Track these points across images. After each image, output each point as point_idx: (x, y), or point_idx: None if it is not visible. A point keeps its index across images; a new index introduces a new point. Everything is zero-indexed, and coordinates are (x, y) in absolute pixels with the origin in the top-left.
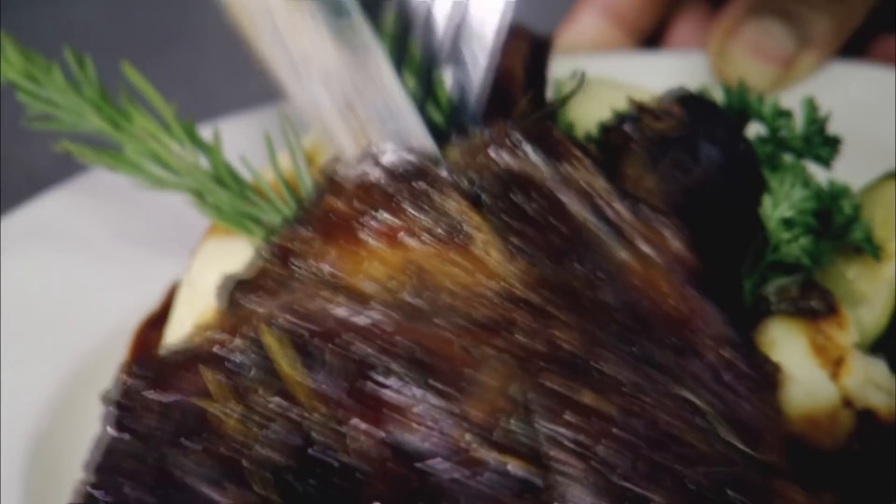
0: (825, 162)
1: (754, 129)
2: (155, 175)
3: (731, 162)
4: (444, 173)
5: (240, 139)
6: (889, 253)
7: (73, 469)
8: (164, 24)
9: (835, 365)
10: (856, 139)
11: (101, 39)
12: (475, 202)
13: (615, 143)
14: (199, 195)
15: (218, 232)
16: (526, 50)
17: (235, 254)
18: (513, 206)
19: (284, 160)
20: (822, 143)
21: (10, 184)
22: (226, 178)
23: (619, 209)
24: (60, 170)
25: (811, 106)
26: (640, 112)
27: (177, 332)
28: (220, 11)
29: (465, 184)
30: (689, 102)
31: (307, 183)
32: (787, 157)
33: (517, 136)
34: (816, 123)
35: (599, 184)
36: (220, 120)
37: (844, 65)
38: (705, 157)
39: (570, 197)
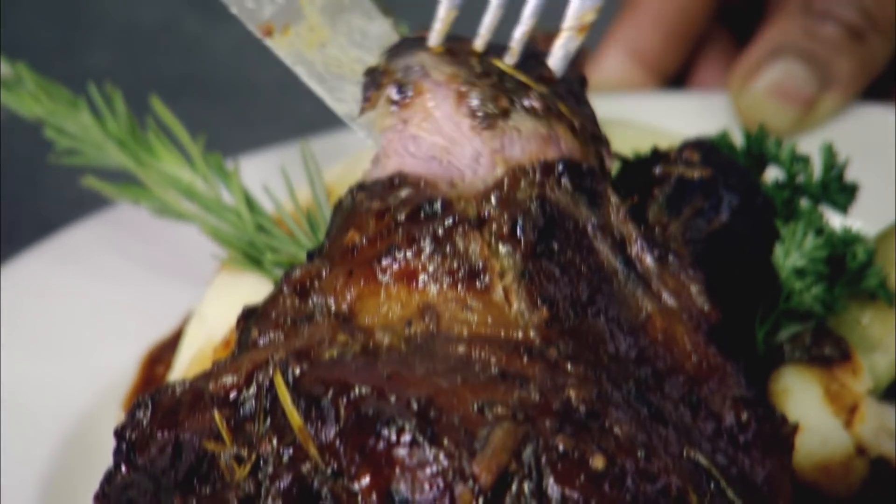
0: (842, 208)
1: (772, 174)
2: (176, 207)
3: (750, 211)
4: (471, 212)
5: (261, 174)
6: None
7: (87, 501)
8: (176, 72)
9: (848, 412)
10: (875, 183)
11: (115, 86)
12: (508, 238)
13: (637, 186)
14: (217, 228)
15: (232, 265)
16: None
17: (246, 287)
18: (547, 249)
19: (304, 194)
20: (839, 190)
21: (19, 226)
22: (245, 209)
23: (648, 260)
24: (72, 212)
25: (829, 152)
26: (661, 157)
27: (184, 362)
28: (227, 60)
29: (503, 219)
30: (708, 150)
31: (327, 216)
32: (804, 203)
33: (567, 172)
34: (834, 170)
35: (632, 232)
36: (242, 156)
37: (866, 107)
38: (726, 206)
39: (604, 244)
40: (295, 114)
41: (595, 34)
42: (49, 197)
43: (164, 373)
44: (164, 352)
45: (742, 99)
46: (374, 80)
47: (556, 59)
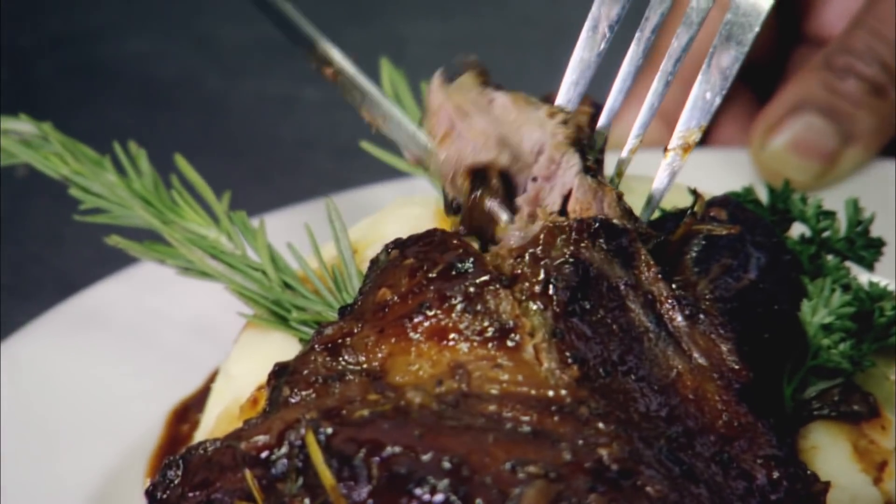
0: (868, 264)
1: (797, 230)
2: (201, 266)
3: (777, 269)
4: (504, 270)
5: (285, 231)
6: None
7: None
8: (195, 128)
9: (878, 469)
10: None
11: (136, 143)
12: (540, 296)
13: (665, 244)
14: (243, 286)
15: (257, 323)
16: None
17: (273, 346)
18: (579, 308)
19: (329, 251)
20: (865, 246)
21: (42, 285)
22: (271, 267)
23: (679, 319)
24: (95, 271)
25: (854, 207)
26: (688, 215)
27: (211, 421)
28: (246, 116)
29: (536, 278)
30: (735, 207)
31: (352, 273)
32: (830, 258)
33: (602, 231)
34: (860, 225)
35: (664, 291)
36: (266, 213)
37: (889, 162)
38: (754, 264)
39: (636, 303)
40: (314, 170)
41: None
42: (71, 255)
43: (189, 431)
44: (190, 410)
45: (764, 154)
46: None
47: (662, 179)
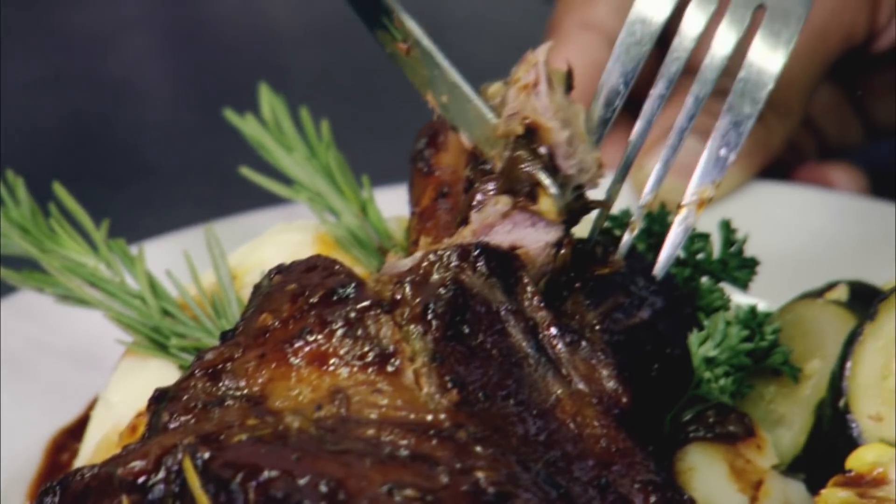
0: (742, 284)
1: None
2: (80, 294)
3: (674, 315)
4: (385, 295)
5: (164, 258)
6: (806, 374)
7: None
8: (73, 157)
9: (754, 488)
10: (774, 258)
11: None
12: (420, 321)
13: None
14: (122, 314)
15: (137, 350)
16: None
17: (152, 372)
18: (458, 333)
19: (209, 278)
20: (739, 266)
21: None
22: (150, 295)
23: (560, 345)
24: None
25: (728, 228)
26: (585, 253)
27: (90, 448)
28: (125, 144)
29: (415, 302)
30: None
31: (231, 299)
32: (705, 280)
33: (482, 257)
34: (734, 246)
35: (546, 318)
36: (145, 241)
37: (763, 184)
38: (649, 306)
39: (516, 328)
40: (194, 197)
41: None
42: None
43: (69, 460)
44: (69, 439)
45: (640, 175)
46: None
47: (677, 234)
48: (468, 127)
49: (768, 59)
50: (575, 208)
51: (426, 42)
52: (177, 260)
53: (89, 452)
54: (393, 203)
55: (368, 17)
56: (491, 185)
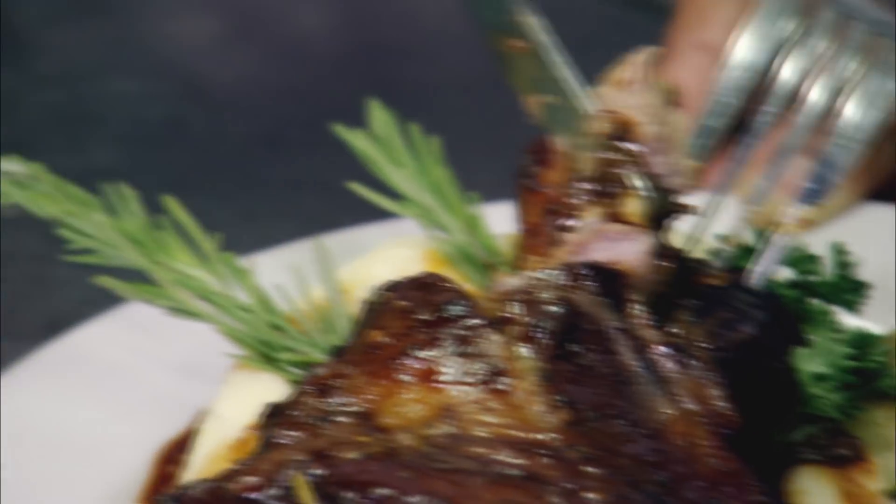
0: (852, 307)
1: (783, 274)
2: (190, 307)
3: (777, 326)
4: (494, 313)
5: (274, 272)
6: None
7: None
8: (182, 168)
9: None
10: (885, 283)
11: (124, 183)
12: (529, 339)
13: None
14: (232, 327)
15: (247, 364)
16: None
17: (263, 387)
18: (567, 351)
19: (319, 292)
20: (850, 289)
21: (27, 325)
22: (260, 308)
23: (669, 364)
24: (81, 312)
25: (839, 250)
26: (692, 264)
27: (199, 461)
28: (233, 156)
29: (525, 321)
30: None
31: (341, 314)
32: (815, 302)
33: (590, 275)
34: (845, 268)
35: (654, 336)
36: (256, 254)
37: (874, 207)
38: (754, 320)
39: (625, 347)
40: (301, 210)
41: None
42: (57, 296)
43: (177, 472)
44: (177, 451)
45: (743, 190)
46: None
47: (775, 248)
48: (571, 130)
49: (881, 86)
50: (663, 213)
51: (544, 37)
52: (284, 273)
53: (198, 465)
54: (500, 220)
55: (485, 12)
56: (583, 192)
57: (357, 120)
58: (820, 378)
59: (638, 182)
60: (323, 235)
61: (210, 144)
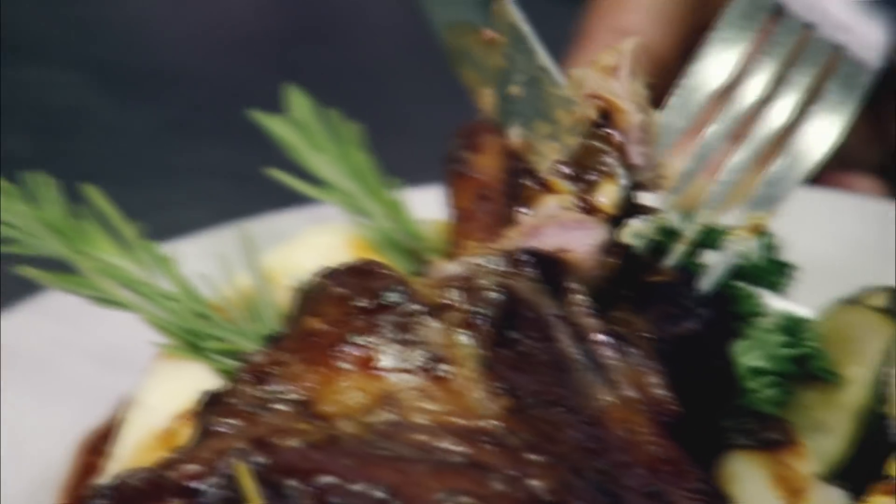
0: (779, 289)
1: (709, 258)
2: (114, 296)
3: (719, 323)
4: (433, 300)
5: (196, 259)
6: (847, 380)
7: None
8: (92, 156)
9: (795, 496)
10: (807, 264)
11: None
12: (468, 326)
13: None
14: (156, 315)
15: (171, 353)
16: None
17: (189, 376)
18: (507, 338)
19: (244, 280)
20: (776, 271)
21: None
22: (184, 296)
23: (608, 351)
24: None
25: (765, 233)
26: (629, 260)
27: (125, 451)
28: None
29: (464, 307)
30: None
31: (268, 302)
32: (742, 285)
33: (531, 262)
34: (771, 251)
35: (594, 324)
36: (180, 241)
37: (805, 191)
38: (697, 317)
39: (565, 334)
40: (214, 197)
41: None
42: None
43: (100, 463)
44: (100, 441)
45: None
46: None
47: (729, 256)
48: (542, 117)
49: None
50: (628, 207)
51: (524, 25)
52: (208, 261)
53: (125, 455)
54: (423, 205)
55: (446, 8)
56: (560, 175)
57: (271, 105)
58: (757, 372)
59: (617, 170)
60: (241, 222)
61: (118, 132)
